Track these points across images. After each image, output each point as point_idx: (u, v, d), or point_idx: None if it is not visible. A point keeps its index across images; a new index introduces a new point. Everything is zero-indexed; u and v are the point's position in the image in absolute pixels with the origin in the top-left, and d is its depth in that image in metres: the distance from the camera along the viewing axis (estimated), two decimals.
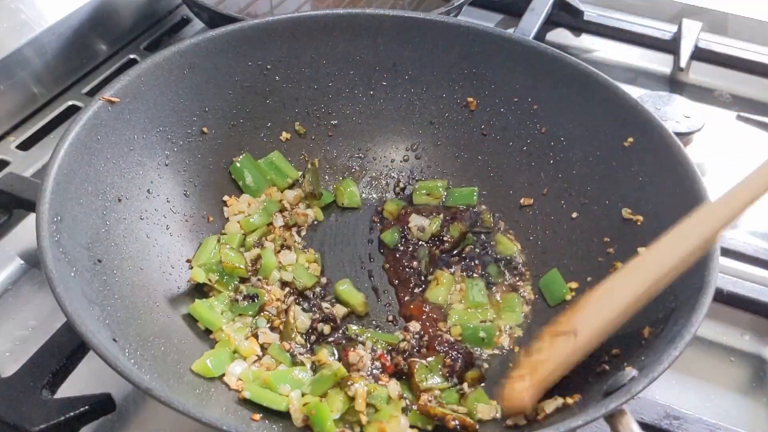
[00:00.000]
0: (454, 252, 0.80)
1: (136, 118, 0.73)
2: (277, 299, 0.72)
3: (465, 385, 0.67)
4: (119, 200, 0.69)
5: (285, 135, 0.85)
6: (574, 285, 0.74)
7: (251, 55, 0.81)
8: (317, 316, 0.72)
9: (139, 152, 0.73)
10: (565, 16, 1.20)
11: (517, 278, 0.77)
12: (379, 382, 0.65)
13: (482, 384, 0.68)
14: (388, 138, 0.88)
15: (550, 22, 1.17)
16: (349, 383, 0.62)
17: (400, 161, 0.88)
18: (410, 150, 0.88)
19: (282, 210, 0.81)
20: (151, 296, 0.67)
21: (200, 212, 0.78)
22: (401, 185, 0.87)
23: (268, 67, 0.83)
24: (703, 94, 1.11)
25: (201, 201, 0.78)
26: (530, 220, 0.81)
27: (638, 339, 0.61)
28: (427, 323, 0.72)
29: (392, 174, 0.87)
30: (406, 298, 0.76)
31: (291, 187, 0.84)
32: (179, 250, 0.74)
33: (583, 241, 0.76)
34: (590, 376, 0.62)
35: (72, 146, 0.65)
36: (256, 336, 0.69)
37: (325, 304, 0.73)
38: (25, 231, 0.83)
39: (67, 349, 0.65)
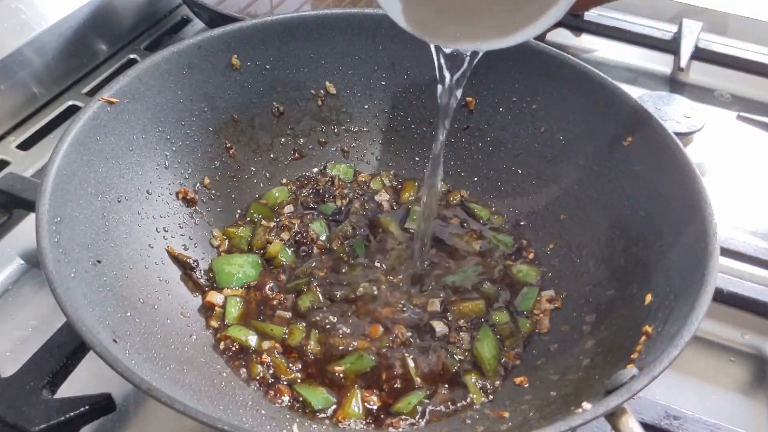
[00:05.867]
0: None
1: (135, 119, 0.73)
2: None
3: None
4: (119, 201, 0.69)
5: (286, 135, 0.85)
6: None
7: (251, 55, 0.81)
8: None
9: (139, 153, 0.73)
10: (565, 15, 1.19)
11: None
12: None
13: None
14: (387, 137, 0.88)
15: None
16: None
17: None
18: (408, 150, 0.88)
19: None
20: (152, 297, 0.67)
21: (211, 219, 0.78)
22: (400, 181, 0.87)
23: (267, 67, 0.82)
24: (703, 94, 1.11)
25: (202, 202, 0.78)
26: (528, 219, 0.81)
27: (639, 338, 0.61)
28: None
29: (391, 173, 0.88)
30: None
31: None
32: (193, 255, 0.75)
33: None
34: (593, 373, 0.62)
35: (71, 147, 0.65)
36: None
37: None
38: (25, 231, 0.83)
39: (67, 349, 0.65)
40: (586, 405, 0.52)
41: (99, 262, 0.63)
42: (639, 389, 0.52)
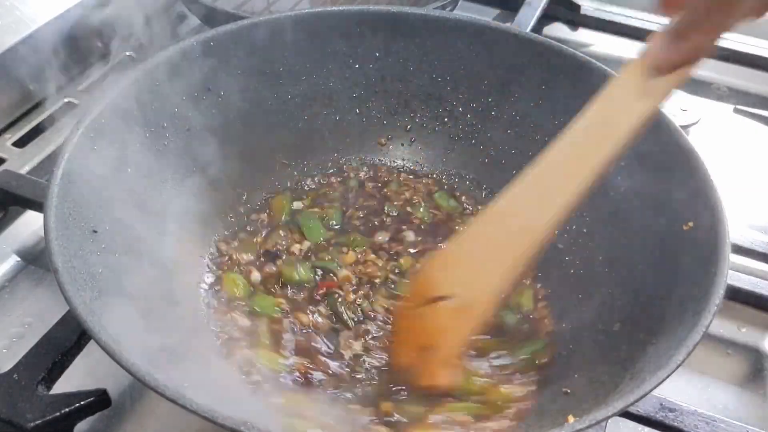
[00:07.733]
0: None
1: (136, 121, 0.71)
2: None
3: None
4: (128, 196, 0.67)
5: (287, 136, 0.84)
6: None
7: (249, 55, 0.80)
8: None
9: (146, 155, 0.71)
10: (562, 10, 1.20)
11: None
12: None
13: None
14: (388, 135, 0.88)
15: (546, 16, 1.17)
16: None
17: (401, 163, 0.88)
18: (408, 147, 0.88)
19: None
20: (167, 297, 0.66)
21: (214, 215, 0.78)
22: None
23: (267, 69, 0.81)
24: (700, 87, 1.11)
25: (213, 205, 0.78)
26: None
27: (643, 344, 0.61)
28: None
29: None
30: None
31: None
32: (196, 249, 0.74)
33: None
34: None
35: (73, 153, 0.63)
36: None
37: None
38: (21, 228, 0.83)
39: (63, 345, 0.65)
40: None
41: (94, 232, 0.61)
42: (640, 397, 0.51)
